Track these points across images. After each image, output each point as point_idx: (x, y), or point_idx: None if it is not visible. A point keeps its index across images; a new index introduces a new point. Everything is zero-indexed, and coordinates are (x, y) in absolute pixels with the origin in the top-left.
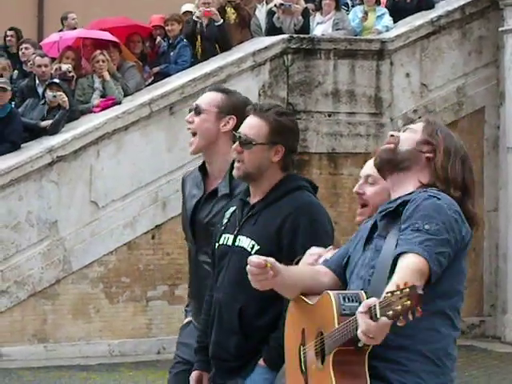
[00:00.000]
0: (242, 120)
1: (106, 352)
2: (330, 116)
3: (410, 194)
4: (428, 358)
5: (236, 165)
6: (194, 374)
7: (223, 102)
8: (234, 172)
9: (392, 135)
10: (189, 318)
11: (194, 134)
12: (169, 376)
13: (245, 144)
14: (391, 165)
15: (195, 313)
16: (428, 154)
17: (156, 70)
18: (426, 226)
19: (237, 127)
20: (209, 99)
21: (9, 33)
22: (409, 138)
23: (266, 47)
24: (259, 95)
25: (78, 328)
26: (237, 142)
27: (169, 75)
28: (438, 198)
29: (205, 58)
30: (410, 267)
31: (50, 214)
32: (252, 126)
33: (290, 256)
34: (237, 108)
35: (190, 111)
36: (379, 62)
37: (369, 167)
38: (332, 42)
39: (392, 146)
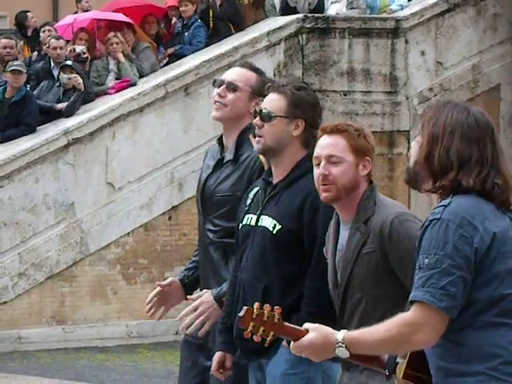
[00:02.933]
0: None
1: (124, 333)
2: (345, 95)
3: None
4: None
5: (256, 139)
6: (216, 355)
7: (257, 84)
8: (255, 147)
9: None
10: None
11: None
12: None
13: (265, 117)
14: (412, 184)
15: (201, 283)
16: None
17: (170, 51)
18: (426, 261)
19: None
20: (244, 78)
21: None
22: (415, 146)
23: (280, 27)
24: (274, 75)
25: (96, 309)
26: (257, 118)
27: (183, 56)
28: (437, 219)
29: (219, 39)
30: (386, 330)
31: (67, 196)
32: (270, 100)
33: (312, 233)
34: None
35: (218, 85)
36: (394, 40)
37: None
38: (346, 21)
39: (408, 164)
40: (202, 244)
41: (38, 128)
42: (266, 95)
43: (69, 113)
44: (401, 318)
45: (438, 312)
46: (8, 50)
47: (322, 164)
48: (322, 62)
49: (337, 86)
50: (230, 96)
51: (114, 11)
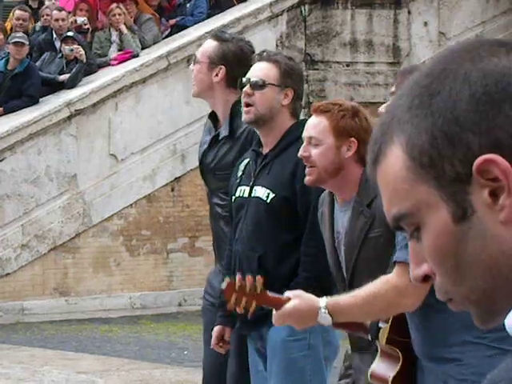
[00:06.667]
0: (232, 69)
1: (127, 305)
2: (348, 66)
3: None
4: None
5: (245, 109)
6: (215, 329)
7: (214, 52)
8: (244, 117)
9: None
10: None
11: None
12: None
13: (256, 86)
14: None
15: (215, 253)
16: None
17: (172, 22)
18: None
19: (229, 76)
20: (203, 49)
21: None
22: None
23: None
24: (277, 46)
25: (99, 281)
26: (247, 86)
27: (185, 27)
28: None
29: (221, 10)
30: (370, 292)
31: (70, 168)
32: (261, 68)
33: (305, 199)
34: (226, 57)
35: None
36: (397, 10)
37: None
38: None
39: None
40: (213, 217)
41: (40, 100)
42: (229, 63)
43: (71, 84)
44: (385, 281)
45: None
46: (21, 21)
47: (302, 145)
48: (325, 32)
49: (339, 57)
50: (195, 70)
51: None
